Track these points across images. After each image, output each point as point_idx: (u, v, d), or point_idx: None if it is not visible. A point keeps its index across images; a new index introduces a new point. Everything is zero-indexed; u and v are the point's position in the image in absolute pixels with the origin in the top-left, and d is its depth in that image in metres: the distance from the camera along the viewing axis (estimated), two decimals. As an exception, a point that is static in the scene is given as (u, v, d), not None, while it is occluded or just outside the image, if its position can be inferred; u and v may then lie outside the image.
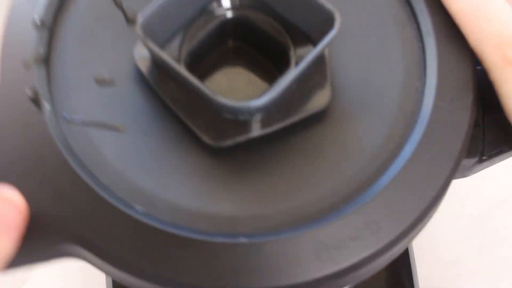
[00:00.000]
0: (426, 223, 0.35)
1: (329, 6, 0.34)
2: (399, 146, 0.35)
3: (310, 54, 0.33)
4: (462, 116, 0.36)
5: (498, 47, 0.35)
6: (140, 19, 0.33)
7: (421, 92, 0.36)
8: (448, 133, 0.35)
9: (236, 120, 0.35)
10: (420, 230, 0.35)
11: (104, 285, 0.55)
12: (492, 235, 0.66)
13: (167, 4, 0.34)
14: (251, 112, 0.34)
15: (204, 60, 0.38)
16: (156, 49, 0.33)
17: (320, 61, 0.36)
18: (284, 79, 0.33)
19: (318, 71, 0.36)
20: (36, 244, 0.33)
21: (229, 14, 0.37)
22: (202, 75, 0.38)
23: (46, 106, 0.34)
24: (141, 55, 0.36)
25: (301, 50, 0.37)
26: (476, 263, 0.65)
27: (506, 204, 0.67)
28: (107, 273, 0.34)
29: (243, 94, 0.38)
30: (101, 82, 0.36)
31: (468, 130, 0.36)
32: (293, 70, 0.33)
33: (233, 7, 0.37)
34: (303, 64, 0.33)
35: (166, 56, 0.33)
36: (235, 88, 0.38)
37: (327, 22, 0.34)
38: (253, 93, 0.38)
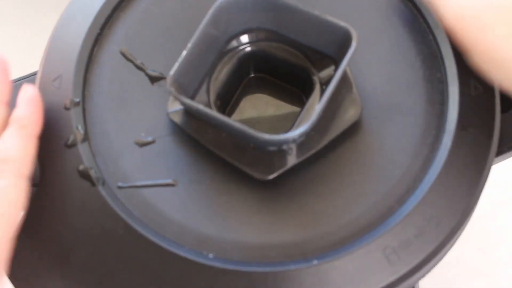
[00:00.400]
0: (476, 207, 0.37)
1: (342, 23, 0.35)
2: (438, 137, 0.37)
3: (336, 73, 0.35)
4: (489, 95, 0.37)
5: None
6: (169, 77, 0.34)
7: (444, 82, 0.38)
8: (481, 115, 0.37)
9: (279, 151, 0.36)
10: (471, 215, 0.36)
11: None
12: (491, 236, 0.67)
13: (189, 56, 0.35)
14: (296, 140, 0.35)
15: (231, 97, 0.39)
16: (191, 102, 0.34)
17: (344, 74, 0.38)
18: (319, 103, 0.34)
19: (343, 84, 0.37)
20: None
21: (246, 51, 0.38)
22: (232, 111, 0.39)
23: (99, 179, 0.35)
24: (174, 109, 0.37)
25: (321, 69, 0.38)
26: (475, 264, 0.66)
27: (505, 205, 0.68)
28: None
29: (275, 122, 0.39)
30: (142, 144, 0.37)
31: (497, 108, 0.37)
32: (325, 93, 0.34)
33: (249, 43, 0.38)
34: (332, 85, 0.34)
35: (203, 107, 0.34)
36: (266, 118, 0.40)
37: (343, 38, 0.36)
38: (284, 119, 0.39)
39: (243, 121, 0.39)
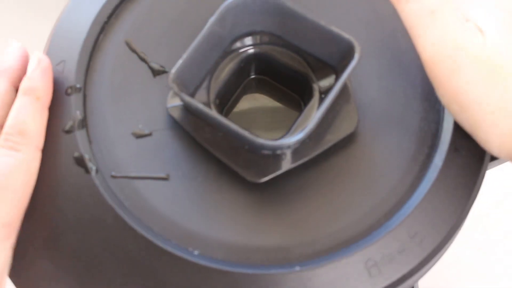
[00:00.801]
0: (461, 227, 0.37)
1: (347, 35, 0.36)
2: (429, 156, 0.37)
3: (336, 84, 0.35)
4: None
5: None
6: (171, 74, 0.35)
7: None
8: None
9: (273, 155, 0.37)
10: (456, 235, 0.37)
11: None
12: (491, 236, 0.68)
13: (193, 55, 0.36)
14: (291, 147, 0.36)
15: (231, 96, 0.40)
16: (191, 100, 0.35)
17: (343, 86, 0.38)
18: (317, 112, 0.35)
19: (342, 95, 0.38)
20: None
21: (249, 52, 0.39)
22: (230, 110, 0.40)
23: (93, 167, 0.36)
24: (173, 104, 0.37)
25: (322, 78, 0.38)
26: (475, 264, 0.67)
27: (505, 205, 0.68)
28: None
29: (271, 124, 0.40)
30: (139, 136, 0.37)
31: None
32: (324, 102, 0.35)
33: (253, 45, 0.39)
34: (331, 95, 0.35)
35: (203, 107, 0.35)
36: (263, 119, 0.40)
37: (346, 50, 0.36)
38: (280, 122, 0.40)
39: (240, 121, 0.39)
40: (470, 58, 0.34)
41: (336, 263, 0.35)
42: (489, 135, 0.34)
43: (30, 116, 0.36)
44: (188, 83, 0.36)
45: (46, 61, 0.37)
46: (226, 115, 0.39)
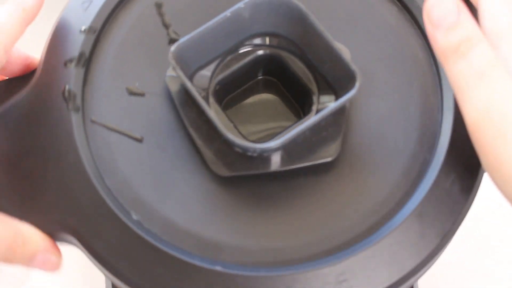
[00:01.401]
0: None
1: (353, 66, 0.35)
2: (391, 214, 0.36)
3: (327, 109, 0.35)
4: (461, 197, 0.36)
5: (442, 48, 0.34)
6: (173, 47, 0.35)
7: (427, 164, 0.37)
8: (442, 211, 0.36)
9: (245, 155, 0.37)
10: None
11: (103, 286, 0.57)
12: (490, 237, 0.66)
13: (203, 35, 0.36)
14: (257, 152, 0.36)
15: (234, 90, 0.40)
16: (184, 78, 0.35)
17: (339, 114, 0.38)
18: (297, 128, 0.35)
19: (334, 124, 0.37)
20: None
21: (264, 51, 0.39)
22: (230, 104, 0.40)
23: (75, 105, 0.37)
24: (172, 74, 0.38)
25: (324, 97, 0.38)
26: (474, 265, 0.65)
27: (502, 207, 0.65)
28: (94, 264, 0.37)
29: (265, 127, 0.40)
30: (131, 93, 0.38)
31: (463, 214, 0.36)
32: (307, 121, 0.35)
33: (269, 46, 0.39)
34: (317, 117, 0.35)
35: (190, 86, 0.35)
36: (258, 120, 0.40)
37: (349, 79, 0.36)
38: (275, 127, 0.40)
39: (236, 115, 0.39)
40: None
41: (256, 278, 0.35)
42: None
43: (7, 18, 0.36)
44: (190, 61, 0.37)
45: None
46: (226, 106, 0.40)
